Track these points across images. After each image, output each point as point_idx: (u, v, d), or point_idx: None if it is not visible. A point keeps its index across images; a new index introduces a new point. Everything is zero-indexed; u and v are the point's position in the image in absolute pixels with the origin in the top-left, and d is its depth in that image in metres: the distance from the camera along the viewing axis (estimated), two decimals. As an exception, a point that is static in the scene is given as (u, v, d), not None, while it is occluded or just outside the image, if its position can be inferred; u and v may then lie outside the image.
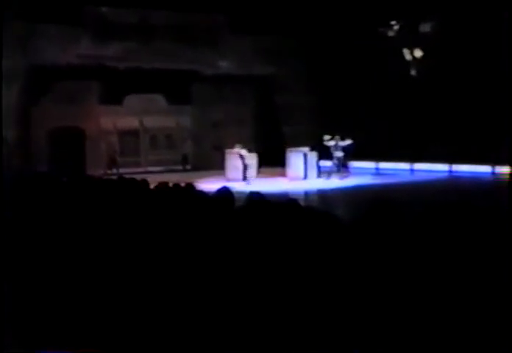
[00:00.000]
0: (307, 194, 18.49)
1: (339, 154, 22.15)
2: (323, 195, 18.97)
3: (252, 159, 23.31)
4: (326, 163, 24.17)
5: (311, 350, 3.30)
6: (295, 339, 3.40)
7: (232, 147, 23.40)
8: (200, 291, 3.89)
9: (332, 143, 22.29)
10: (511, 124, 19.63)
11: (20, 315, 4.19)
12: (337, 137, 22.15)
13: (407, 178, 23.05)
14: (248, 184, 20.22)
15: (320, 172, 23.31)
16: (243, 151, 22.27)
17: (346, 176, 22.14)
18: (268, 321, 3.54)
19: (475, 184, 20.42)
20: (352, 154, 23.00)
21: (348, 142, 22.11)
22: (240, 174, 21.88)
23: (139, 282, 4.19)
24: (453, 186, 20.17)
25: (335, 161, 22.29)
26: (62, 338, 3.90)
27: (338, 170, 22.32)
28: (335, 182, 21.42)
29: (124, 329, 3.84)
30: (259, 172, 23.65)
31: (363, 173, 24.37)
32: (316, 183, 21.61)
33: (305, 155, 22.98)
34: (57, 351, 3.77)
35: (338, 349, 3.27)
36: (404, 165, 25.82)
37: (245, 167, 22.10)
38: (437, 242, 3.84)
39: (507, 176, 19.16)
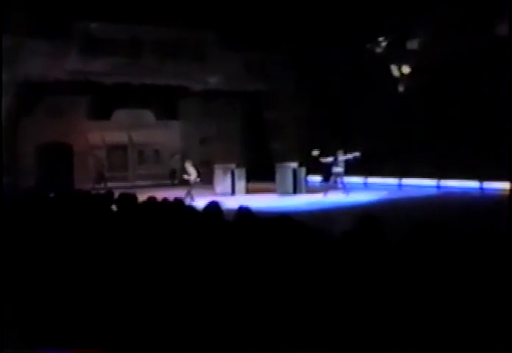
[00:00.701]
0: (295, 210, 18.25)
1: (338, 169, 21.48)
2: (312, 211, 18.63)
3: (241, 175, 23.43)
4: (315, 178, 24.12)
5: None
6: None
7: (221, 162, 23.46)
8: (192, 305, 3.90)
9: (329, 158, 21.58)
10: (510, 139, 19.59)
11: (21, 315, 4.25)
12: (340, 151, 21.42)
13: (412, 193, 22.53)
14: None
15: (307, 187, 23.27)
16: (189, 167, 21.29)
17: (348, 191, 21.47)
18: (259, 330, 3.55)
19: (474, 201, 20.22)
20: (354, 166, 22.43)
21: (355, 154, 21.38)
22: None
23: (133, 294, 4.19)
24: (459, 204, 19.78)
25: (334, 177, 21.64)
26: (62, 338, 3.93)
27: (337, 187, 21.62)
28: (327, 198, 20.99)
29: (124, 329, 3.88)
30: (247, 187, 23.65)
31: (354, 188, 24.35)
32: (305, 198, 21.42)
33: (294, 170, 22.94)
34: (57, 351, 3.79)
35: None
36: (392, 181, 25.83)
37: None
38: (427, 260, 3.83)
39: (507, 192, 18.92)
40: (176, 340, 3.78)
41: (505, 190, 20.00)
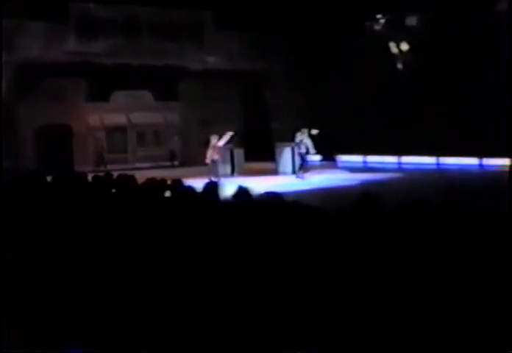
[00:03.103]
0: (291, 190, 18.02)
1: (300, 150, 21.26)
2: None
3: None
4: (315, 157, 24.05)
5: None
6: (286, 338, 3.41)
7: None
8: (192, 287, 3.90)
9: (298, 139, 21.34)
10: (509, 115, 19.53)
11: (21, 315, 4.25)
12: (303, 131, 21.25)
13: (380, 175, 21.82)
14: None
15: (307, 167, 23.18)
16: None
17: (302, 175, 20.97)
18: (259, 318, 3.54)
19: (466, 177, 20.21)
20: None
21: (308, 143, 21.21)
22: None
23: (131, 279, 4.20)
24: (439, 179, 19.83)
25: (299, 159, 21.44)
26: (63, 338, 3.94)
27: (300, 168, 21.41)
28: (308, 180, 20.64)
29: (124, 329, 3.87)
30: (245, 167, 23.64)
31: (347, 167, 24.27)
32: (306, 178, 21.30)
33: (293, 150, 22.87)
34: (57, 351, 3.80)
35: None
36: (391, 159, 25.85)
37: None
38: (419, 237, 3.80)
39: (506, 169, 18.90)
40: (176, 334, 3.77)
41: (504, 166, 20.07)
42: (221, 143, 20.35)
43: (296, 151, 21.36)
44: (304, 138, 21.24)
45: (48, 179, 8.35)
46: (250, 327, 3.51)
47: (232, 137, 20.93)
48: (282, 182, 19.82)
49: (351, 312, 3.35)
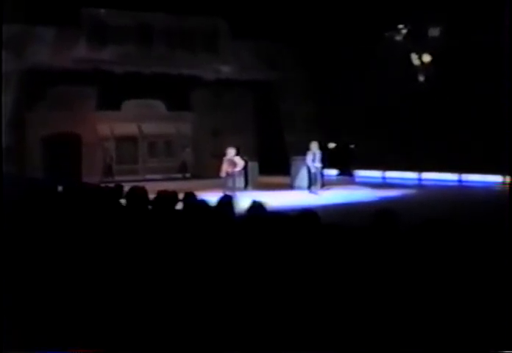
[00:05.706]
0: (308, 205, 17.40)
1: (315, 164, 20.49)
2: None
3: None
4: (331, 171, 23.46)
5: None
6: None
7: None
8: (201, 298, 3.91)
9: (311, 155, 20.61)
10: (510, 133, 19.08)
11: (21, 315, 4.28)
12: (314, 144, 20.56)
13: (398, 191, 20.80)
14: None
15: (323, 181, 22.54)
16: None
17: (316, 191, 20.24)
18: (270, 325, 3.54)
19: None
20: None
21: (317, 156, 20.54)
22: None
23: (139, 289, 4.19)
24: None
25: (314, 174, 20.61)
26: (62, 338, 3.95)
27: (314, 183, 20.62)
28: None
29: (124, 329, 3.90)
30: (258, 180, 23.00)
31: (367, 182, 23.64)
32: (320, 193, 20.66)
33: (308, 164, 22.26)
34: (57, 351, 3.81)
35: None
36: (411, 174, 25.26)
37: None
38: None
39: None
40: (179, 336, 3.75)
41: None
42: (240, 164, 19.61)
43: (311, 165, 20.64)
44: (316, 152, 20.61)
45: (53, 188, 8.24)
46: (259, 339, 3.51)
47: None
48: (296, 197, 19.23)
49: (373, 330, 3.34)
